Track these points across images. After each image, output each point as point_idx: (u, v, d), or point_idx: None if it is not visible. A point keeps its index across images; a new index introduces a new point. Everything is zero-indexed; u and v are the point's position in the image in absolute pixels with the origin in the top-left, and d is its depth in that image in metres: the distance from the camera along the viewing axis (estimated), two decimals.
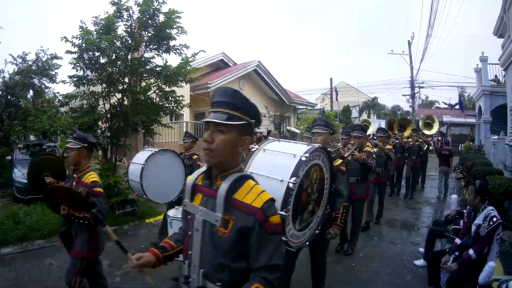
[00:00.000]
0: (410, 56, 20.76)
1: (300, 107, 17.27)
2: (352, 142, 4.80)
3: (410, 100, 22.22)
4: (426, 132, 9.29)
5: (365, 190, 4.47)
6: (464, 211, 3.66)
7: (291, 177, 1.92)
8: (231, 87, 1.30)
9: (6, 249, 4.53)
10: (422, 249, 4.30)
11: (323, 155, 2.26)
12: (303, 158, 1.99)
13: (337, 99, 21.94)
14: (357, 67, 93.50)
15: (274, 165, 2.07)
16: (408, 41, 20.83)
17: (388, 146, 6.92)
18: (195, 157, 4.69)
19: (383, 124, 15.35)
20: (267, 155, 2.17)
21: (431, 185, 9.98)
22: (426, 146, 8.35)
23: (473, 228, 2.88)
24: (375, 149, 5.74)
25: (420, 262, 4.00)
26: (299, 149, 2.10)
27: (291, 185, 1.89)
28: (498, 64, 10.30)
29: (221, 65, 14.45)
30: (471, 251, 2.80)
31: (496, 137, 8.97)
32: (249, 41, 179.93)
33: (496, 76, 13.14)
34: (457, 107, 22.39)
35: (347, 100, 28.01)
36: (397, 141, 7.81)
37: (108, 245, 4.78)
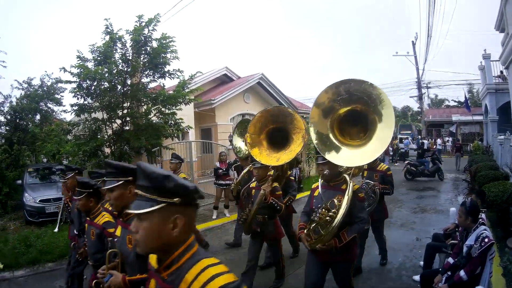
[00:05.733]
0: (415, 57, 20.45)
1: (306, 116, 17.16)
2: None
3: (418, 101, 21.80)
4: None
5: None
6: None
7: None
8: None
9: (19, 272, 4.76)
10: (423, 263, 4.13)
11: None
12: None
13: None
14: (363, 71, 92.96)
15: None
16: (412, 41, 20.58)
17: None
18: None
19: None
20: None
21: (438, 192, 9.73)
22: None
23: (465, 249, 2.82)
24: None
25: (419, 277, 3.89)
26: None
27: None
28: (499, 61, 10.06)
29: (225, 80, 14.59)
30: (462, 273, 2.74)
31: (502, 136, 8.73)
32: (253, 52, 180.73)
33: (501, 72, 12.80)
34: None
35: None
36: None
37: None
